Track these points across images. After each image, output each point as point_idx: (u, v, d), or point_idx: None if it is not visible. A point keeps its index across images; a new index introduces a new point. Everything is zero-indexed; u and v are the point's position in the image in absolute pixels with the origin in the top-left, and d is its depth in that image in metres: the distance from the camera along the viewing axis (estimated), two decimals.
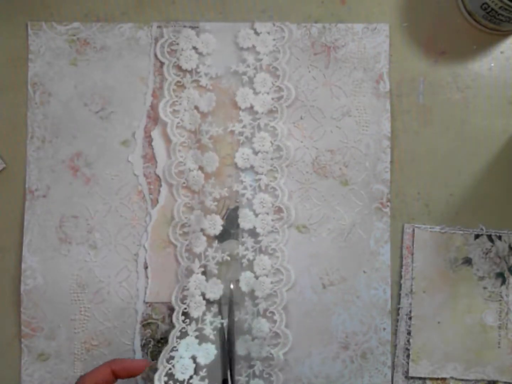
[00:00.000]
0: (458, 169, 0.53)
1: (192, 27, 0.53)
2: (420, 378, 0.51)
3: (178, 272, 0.52)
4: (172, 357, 0.48)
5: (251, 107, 0.52)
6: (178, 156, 0.52)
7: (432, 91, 0.53)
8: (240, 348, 0.50)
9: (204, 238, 0.51)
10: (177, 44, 0.53)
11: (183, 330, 0.50)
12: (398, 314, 0.52)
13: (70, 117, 0.53)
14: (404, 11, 0.53)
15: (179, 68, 0.53)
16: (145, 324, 0.52)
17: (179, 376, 0.47)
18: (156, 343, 0.52)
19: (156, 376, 0.47)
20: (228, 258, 0.51)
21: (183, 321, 0.50)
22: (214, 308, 0.51)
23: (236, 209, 0.52)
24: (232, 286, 0.51)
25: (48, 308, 0.52)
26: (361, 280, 0.52)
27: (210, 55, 0.53)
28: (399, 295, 0.52)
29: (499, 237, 0.52)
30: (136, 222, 0.52)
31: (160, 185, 0.53)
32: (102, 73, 0.53)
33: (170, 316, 0.52)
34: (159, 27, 0.53)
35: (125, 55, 0.53)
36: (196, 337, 0.50)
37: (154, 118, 0.53)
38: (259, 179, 0.52)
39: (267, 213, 0.52)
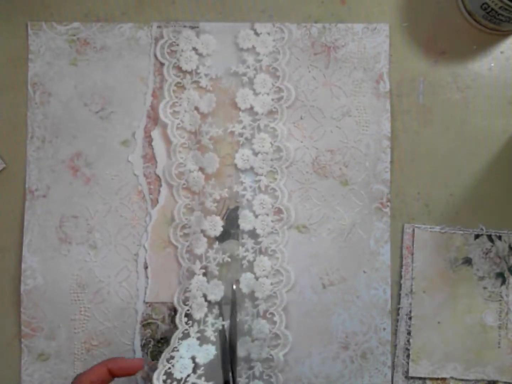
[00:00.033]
0: (458, 169, 0.53)
1: (192, 27, 0.53)
2: (420, 378, 0.51)
3: (179, 274, 0.52)
4: (172, 357, 0.48)
5: (251, 108, 0.52)
6: (178, 157, 0.52)
7: (432, 91, 0.53)
8: (240, 349, 0.50)
9: (205, 239, 0.51)
10: (177, 45, 0.53)
11: (185, 332, 0.50)
12: (398, 314, 0.52)
13: (70, 117, 0.53)
14: (404, 11, 0.53)
15: (179, 69, 0.53)
16: (145, 324, 0.52)
17: (177, 374, 0.47)
18: (156, 343, 0.52)
19: (155, 375, 0.47)
20: (229, 259, 0.51)
21: (186, 323, 0.50)
22: (216, 310, 0.51)
23: (236, 209, 0.52)
24: (234, 287, 0.51)
25: (48, 308, 0.52)
26: (361, 280, 0.52)
27: (210, 56, 0.53)
28: (399, 295, 0.52)
29: (499, 237, 0.52)
30: (136, 222, 0.52)
31: (160, 185, 0.53)
32: (102, 73, 0.53)
33: (170, 316, 0.52)
34: (159, 27, 0.53)
35: (125, 55, 0.53)
36: (198, 338, 0.50)
37: (154, 118, 0.53)
38: (259, 180, 0.52)
39: (267, 214, 0.52)
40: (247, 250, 0.51)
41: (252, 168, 0.52)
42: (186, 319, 0.51)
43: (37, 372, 0.52)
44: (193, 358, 0.48)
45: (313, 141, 0.53)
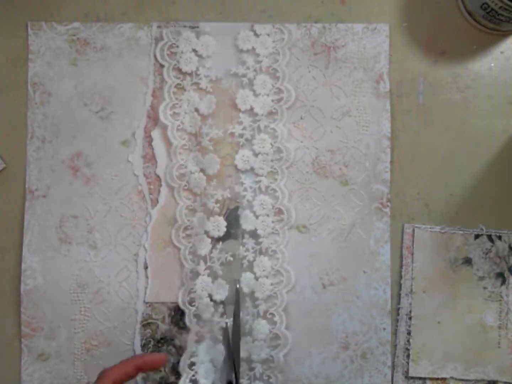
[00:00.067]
0: (458, 169, 0.53)
1: (192, 27, 0.53)
2: (420, 378, 0.51)
3: (183, 275, 0.52)
4: (193, 363, 0.49)
5: (251, 109, 0.52)
6: (179, 159, 0.52)
7: (432, 91, 0.53)
8: (242, 350, 0.50)
9: (209, 240, 0.51)
10: (177, 46, 0.53)
11: (200, 334, 0.50)
12: (398, 314, 0.52)
13: (70, 117, 0.53)
14: (404, 11, 0.53)
15: (179, 70, 0.53)
16: (145, 324, 0.52)
17: (203, 382, 0.47)
18: (156, 343, 0.52)
19: (181, 383, 0.48)
20: (231, 259, 0.51)
21: (197, 323, 0.51)
22: (221, 309, 0.51)
23: (236, 209, 0.52)
24: (238, 286, 0.51)
25: (48, 308, 0.52)
26: (361, 280, 0.52)
27: (210, 58, 0.53)
28: (399, 295, 0.52)
29: (499, 237, 0.52)
30: (136, 222, 0.52)
31: (160, 185, 0.53)
32: (102, 73, 0.53)
33: (170, 316, 0.52)
34: (159, 27, 0.53)
35: (125, 55, 0.53)
36: (210, 339, 0.50)
37: (154, 118, 0.53)
38: (259, 181, 0.52)
39: (267, 215, 0.52)
40: (247, 250, 0.51)
41: (252, 169, 0.52)
42: (195, 319, 0.51)
43: (37, 372, 0.52)
44: (212, 361, 0.49)
45: (313, 141, 0.53)
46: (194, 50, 0.53)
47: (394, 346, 0.51)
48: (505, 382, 0.51)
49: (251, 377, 0.50)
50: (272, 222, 0.52)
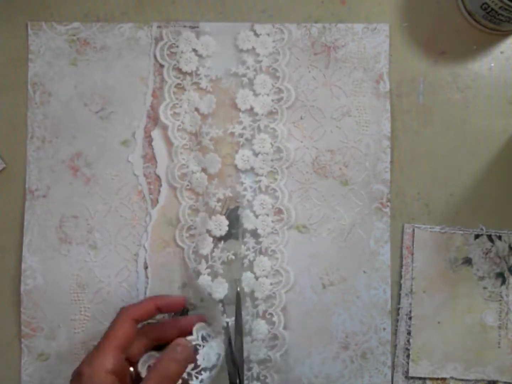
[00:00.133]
0: (458, 169, 0.53)
1: (192, 27, 0.53)
2: (420, 378, 0.51)
3: (186, 275, 0.52)
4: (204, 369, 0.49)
5: (251, 108, 0.52)
6: (180, 159, 0.52)
7: (432, 91, 0.53)
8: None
9: (210, 239, 0.51)
10: (177, 46, 0.53)
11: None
12: (398, 314, 0.52)
13: (70, 117, 0.53)
14: (404, 11, 0.53)
15: (179, 70, 0.53)
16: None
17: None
18: None
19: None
20: (233, 257, 0.51)
21: (207, 322, 0.50)
22: (220, 308, 0.51)
23: (236, 209, 0.52)
24: (238, 289, 0.51)
25: (48, 308, 0.52)
26: (361, 280, 0.52)
27: (210, 57, 0.53)
28: (399, 295, 0.52)
29: (499, 237, 0.52)
30: (136, 222, 0.52)
31: (160, 185, 0.53)
32: (102, 73, 0.53)
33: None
34: (159, 27, 0.53)
35: (125, 55, 0.53)
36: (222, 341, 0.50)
37: (154, 118, 0.53)
38: (259, 181, 0.52)
39: (267, 215, 0.52)
40: (248, 249, 0.51)
41: (252, 168, 0.52)
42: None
43: (37, 372, 0.52)
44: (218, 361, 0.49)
45: (313, 141, 0.53)
46: (194, 50, 0.53)
47: (394, 346, 0.51)
48: (505, 382, 0.51)
49: (249, 378, 0.50)
50: (272, 222, 0.52)
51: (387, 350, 0.51)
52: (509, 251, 0.52)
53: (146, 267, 0.52)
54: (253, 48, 0.53)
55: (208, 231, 0.51)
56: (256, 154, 0.52)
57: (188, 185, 0.52)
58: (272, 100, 0.53)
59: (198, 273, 0.51)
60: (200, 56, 0.53)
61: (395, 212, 0.52)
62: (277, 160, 0.52)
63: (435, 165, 0.53)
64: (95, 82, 0.53)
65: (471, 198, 0.52)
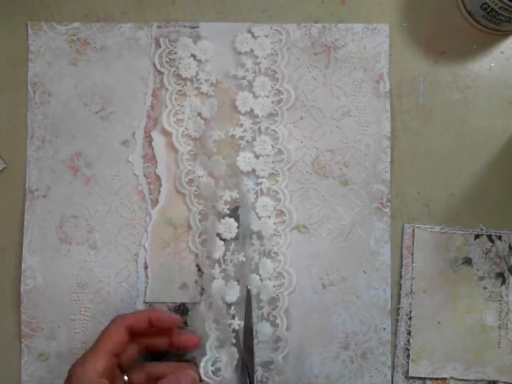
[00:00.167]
0: (458, 169, 0.53)
1: (192, 27, 0.53)
2: (420, 378, 0.51)
3: (203, 281, 0.51)
4: (218, 369, 0.50)
5: (251, 111, 0.52)
6: (186, 165, 0.52)
7: (432, 91, 0.53)
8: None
9: (222, 243, 0.51)
10: (175, 53, 0.53)
11: (221, 339, 0.50)
12: (398, 314, 0.52)
13: (70, 117, 0.53)
14: (404, 11, 0.53)
15: (179, 76, 0.53)
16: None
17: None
18: None
19: None
20: (243, 259, 0.51)
21: (216, 329, 0.50)
22: (232, 311, 0.51)
23: (236, 209, 0.52)
24: (248, 287, 0.51)
25: (48, 308, 0.52)
26: (361, 280, 0.52)
27: (208, 62, 0.53)
28: (399, 295, 0.52)
29: (499, 237, 0.52)
30: (136, 222, 0.52)
31: (160, 185, 0.53)
32: (102, 73, 0.53)
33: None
34: (159, 27, 0.53)
35: (125, 55, 0.53)
36: (233, 344, 0.50)
37: (154, 118, 0.53)
38: (261, 183, 0.52)
39: (269, 217, 0.52)
40: (254, 251, 0.51)
41: (253, 170, 0.52)
42: (214, 325, 0.50)
43: (37, 372, 0.52)
44: (231, 364, 0.50)
45: (313, 141, 0.53)
46: (193, 55, 0.53)
47: (394, 346, 0.51)
48: (505, 382, 0.51)
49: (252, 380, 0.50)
50: (274, 223, 0.52)
51: (387, 350, 0.51)
52: (509, 251, 0.52)
53: (146, 267, 0.52)
54: (252, 50, 0.53)
55: (219, 235, 0.51)
56: (257, 156, 0.52)
57: (196, 191, 0.52)
58: (272, 102, 0.53)
59: (212, 278, 0.51)
60: (199, 61, 0.53)
61: (395, 212, 0.52)
62: (278, 162, 0.52)
63: (435, 165, 0.53)
64: (95, 82, 0.53)
65: (471, 198, 0.52)
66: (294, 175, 0.53)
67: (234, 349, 0.50)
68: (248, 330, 0.50)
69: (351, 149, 0.53)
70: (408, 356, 0.51)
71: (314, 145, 0.53)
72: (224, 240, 0.51)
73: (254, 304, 0.51)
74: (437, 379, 0.51)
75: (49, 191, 0.53)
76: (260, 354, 0.50)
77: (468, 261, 0.52)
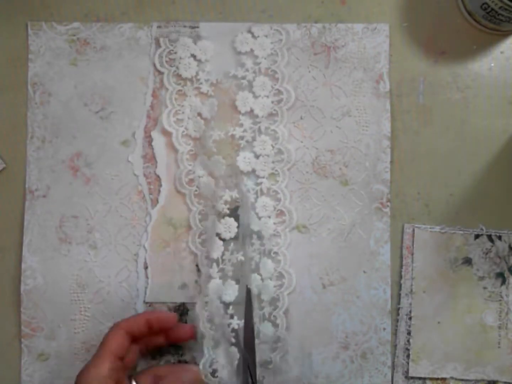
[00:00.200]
0: (458, 169, 0.53)
1: (192, 27, 0.53)
2: (420, 378, 0.51)
3: (200, 281, 0.51)
4: (215, 370, 0.50)
5: (251, 111, 0.52)
6: (186, 165, 0.52)
7: (432, 91, 0.53)
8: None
9: (221, 243, 0.51)
10: (175, 53, 0.53)
11: (216, 338, 0.50)
12: (398, 314, 0.52)
13: (70, 117, 0.53)
14: (404, 11, 0.53)
15: (179, 76, 0.53)
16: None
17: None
18: None
19: None
20: (242, 258, 0.51)
21: (210, 328, 0.50)
22: (230, 310, 0.51)
23: (236, 209, 0.52)
24: (248, 286, 0.51)
25: (48, 308, 0.52)
26: (361, 280, 0.52)
27: (208, 62, 0.53)
28: (399, 295, 0.52)
29: (499, 237, 0.52)
30: (136, 222, 0.52)
31: (160, 185, 0.53)
32: (102, 73, 0.53)
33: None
34: (159, 27, 0.53)
35: (125, 55, 0.53)
36: (233, 344, 0.50)
37: (154, 118, 0.53)
38: (261, 183, 0.52)
39: (269, 217, 0.52)
40: (254, 251, 0.51)
41: (253, 170, 0.52)
42: (209, 324, 0.51)
43: (37, 372, 0.52)
44: (231, 364, 0.50)
45: (313, 141, 0.53)
46: (193, 55, 0.53)
47: (394, 346, 0.51)
48: (505, 382, 0.51)
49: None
50: (274, 223, 0.52)
51: (387, 350, 0.51)
52: (509, 251, 0.52)
53: (146, 267, 0.52)
54: (252, 50, 0.53)
55: (218, 234, 0.51)
56: (257, 156, 0.52)
57: (196, 191, 0.52)
58: (272, 102, 0.53)
59: (209, 278, 0.51)
60: (199, 61, 0.53)
61: (395, 212, 0.52)
62: (278, 162, 0.52)
63: (435, 165, 0.53)
64: (95, 82, 0.53)
65: (471, 198, 0.52)
66: (294, 175, 0.53)
67: (235, 349, 0.50)
68: (249, 330, 0.50)
69: (351, 149, 0.53)
70: (408, 356, 0.51)
71: (314, 145, 0.53)
72: (223, 240, 0.51)
73: (255, 304, 0.51)
74: (437, 379, 0.51)
75: (49, 191, 0.53)
76: (260, 353, 0.50)
77: (468, 261, 0.52)
